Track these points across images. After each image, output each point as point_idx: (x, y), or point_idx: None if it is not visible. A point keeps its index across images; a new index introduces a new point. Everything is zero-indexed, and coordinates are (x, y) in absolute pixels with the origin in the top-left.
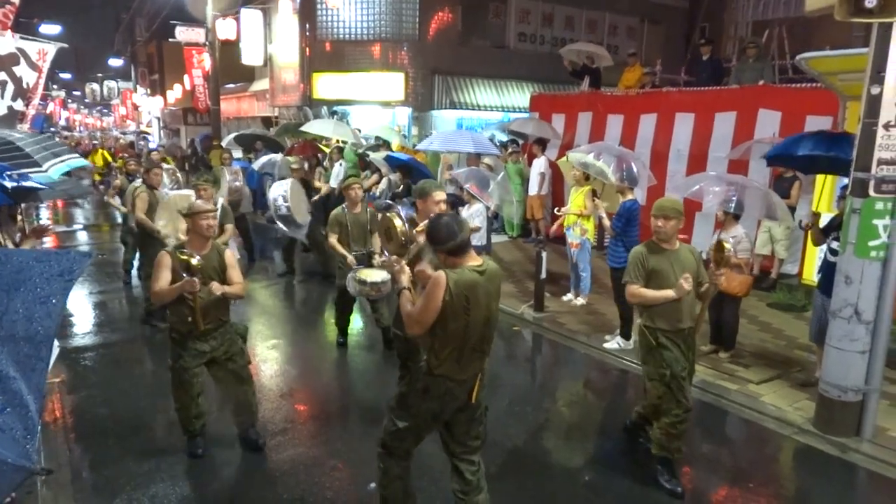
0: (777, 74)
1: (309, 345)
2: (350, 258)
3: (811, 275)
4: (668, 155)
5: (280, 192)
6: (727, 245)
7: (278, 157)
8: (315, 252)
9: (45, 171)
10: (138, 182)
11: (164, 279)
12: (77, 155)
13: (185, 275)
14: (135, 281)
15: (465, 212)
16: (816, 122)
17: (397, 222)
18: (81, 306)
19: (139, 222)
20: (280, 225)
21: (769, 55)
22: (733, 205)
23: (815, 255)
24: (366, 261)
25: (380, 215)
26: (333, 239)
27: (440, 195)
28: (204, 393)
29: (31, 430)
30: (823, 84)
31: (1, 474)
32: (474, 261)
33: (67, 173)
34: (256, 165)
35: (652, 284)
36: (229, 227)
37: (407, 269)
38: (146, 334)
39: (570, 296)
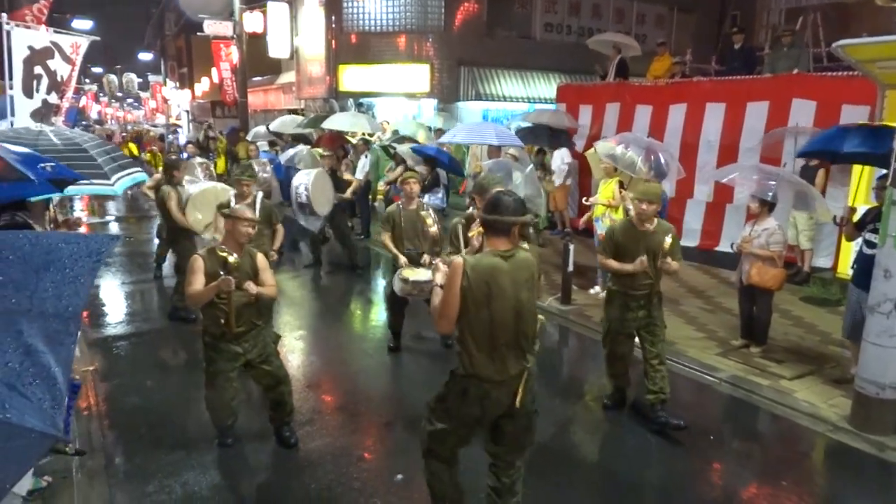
0: (811, 63)
1: (336, 336)
2: (402, 259)
3: (846, 269)
4: (698, 146)
5: (304, 179)
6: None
7: (304, 149)
8: (340, 243)
9: (112, 184)
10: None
11: (198, 282)
12: (140, 169)
13: (221, 273)
14: (166, 271)
15: None
16: (853, 112)
17: (429, 220)
18: (114, 296)
19: (177, 221)
20: (296, 212)
21: (803, 43)
22: (770, 195)
23: (850, 249)
24: (416, 260)
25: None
26: (386, 237)
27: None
28: (237, 397)
29: (59, 401)
30: (860, 72)
31: (29, 442)
32: (504, 246)
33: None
34: (283, 158)
35: (620, 258)
36: (280, 228)
37: (441, 266)
38: (176, 326)
39: (597, 288)
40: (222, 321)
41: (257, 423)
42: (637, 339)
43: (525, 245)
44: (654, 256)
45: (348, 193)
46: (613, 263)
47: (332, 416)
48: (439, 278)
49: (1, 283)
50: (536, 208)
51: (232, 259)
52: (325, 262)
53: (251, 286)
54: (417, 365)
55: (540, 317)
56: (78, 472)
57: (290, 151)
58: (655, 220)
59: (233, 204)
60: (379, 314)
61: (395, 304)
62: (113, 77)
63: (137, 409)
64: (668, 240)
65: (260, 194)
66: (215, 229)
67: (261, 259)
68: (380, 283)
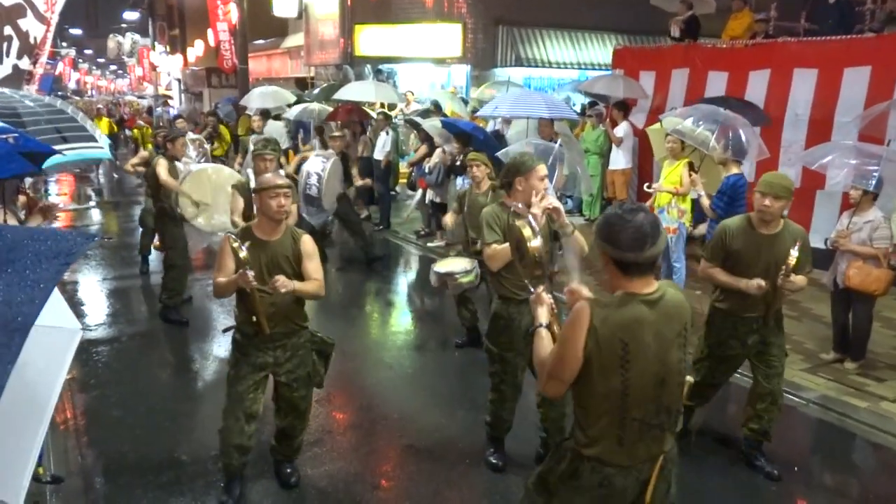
0: None
1: (349, 343)
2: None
3: None
4: (783, 121)
5: (317, 168)
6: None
7: (317, 106)
8: (351, 234)
9: (102, 147)
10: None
11: (226, 268)
12: (99, 145)
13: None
14: (153, 266)
15: None
16: None
17: (526, 233)
18: (94, 294)
19: (164, 184)
20: (300, 201)
21: None
22: (873, 182)
23: None
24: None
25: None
26: (450, 214)
27: (543, 170)
28: (257, 420)
29: None
30: None
31: None
32: (646, 287)
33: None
34: (292, 114)
35: (732, 268)
36: (293, 210)
37: (546, 298)
38: (166, 329)
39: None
40: (253, 319)
41: (259, 441)
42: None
43: (571, 227)
44: (776, 268)
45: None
46: (722, 276)
47: (345, 436)
48: (543, 315)
49: None
50: (584, 192)
51: (242, 254)
52: (338, 258)
53: (280, 282)
54: (443, 378)
55: (688, 378)
56: (52, 497)
57: (299, 107)
58: (782, 221)
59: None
60: (399, 318)
61: (459, 295)
62: (122, 40)
63: (121, 424)
64: (795, 252)
65: (281, 173)
66: (208, 213)
67: (307, 242)
68: (400, 283)
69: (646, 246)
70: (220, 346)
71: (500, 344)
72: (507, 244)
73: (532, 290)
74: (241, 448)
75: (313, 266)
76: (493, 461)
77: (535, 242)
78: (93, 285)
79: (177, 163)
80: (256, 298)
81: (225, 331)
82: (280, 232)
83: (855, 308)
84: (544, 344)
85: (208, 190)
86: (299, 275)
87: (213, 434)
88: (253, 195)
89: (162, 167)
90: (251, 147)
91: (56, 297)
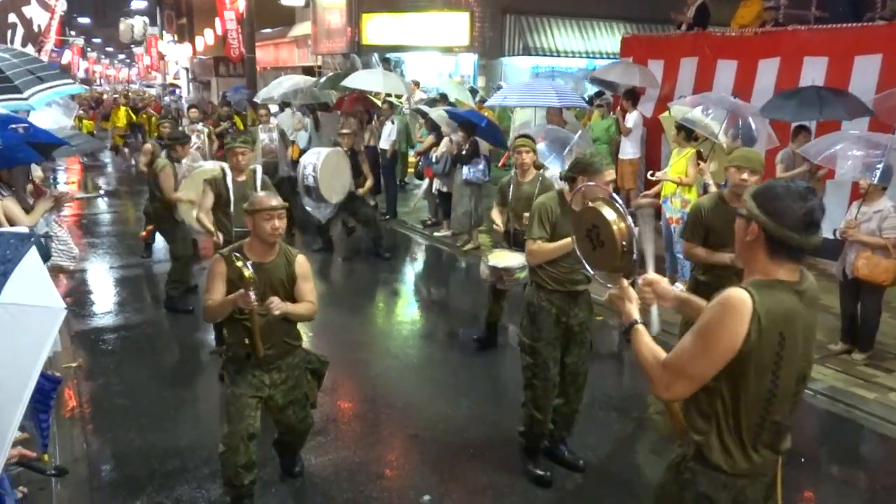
0: None
1: (355, 333)
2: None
3: None
4: None
5: (312, 159)
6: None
7: (300, 79)
8: (364, 227)
9: (26, 98)
10: (164, 155)
11: (217, 291)
12: (70, 81)
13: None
14: (157, 256)
15: None
16: None
17: (609, 214)
18: (101, 282)
19: (168, 198)
20: (302, 195)
21: None
22: (877, 174)
23: None
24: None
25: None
26: (496, 212)
27: (611, 174)
28: (259, 437)
29: None
30: None
31: None
32: (794, 274)
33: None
34: (277, 92)
35: (712, 244)
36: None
37: (633, 293)
38: (171, 317)
39: (679, 285)
40: (246, 341)
41: (263, 429)
42: None
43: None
44: None
45: (361, 190)
46: (702, 252)
47: (350, 426)
48: (636, 311)
49: None
50: None
51: (248, 272)
52: (346, 248)
53: (275, 304)
54: (449, 368)
55: None
56: (57, 484)
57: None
58: None
59: (228, 181)
60: (405, 308)
61: (495, 290)
62: (132, 22)
63: (126, 412)
64: None
65: (259, 168)
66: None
67: (301, 264)
68: (407, 272)
69: (817, 231)
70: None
71: (531, 334)
72: (553, 243)
73: (602, 282)
74: (247, 465)
75: (307, 287)
76: (540, 473)
77: (624, 223)
78: (99, 273)
79: (184, 161)
80: (256, 320)
81: (212, 353)
82: (274, 253)
83: (863, 299)
84: (646, 341)
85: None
86: (292, 296)
87: (219, 423)
88: (246, 216)
89: (167, 176)
90: (261, 137)
91: (41, 276)
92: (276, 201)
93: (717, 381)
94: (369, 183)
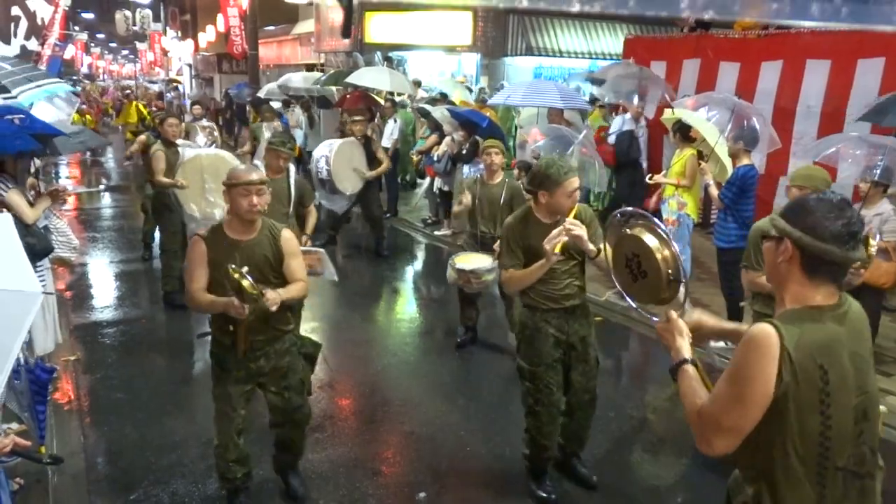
0: None
1: (354, 330)
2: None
3: None
4: (796, 112)
5: (325, 151)
6: (872, 243)
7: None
8: (369, 224)
9: (15, 97)
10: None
11: (200, 277)
12: (59, 80)
13: (231, 260)
14: (156, 251)
15: None
16: None
17: (650, 241)
18: (100, 277)
19: (157, 184)
20: (316, 189)
21: None
22: (878, 172)
23: None
24: (490, 245)
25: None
26: (458, 208)
27: (574, 183)
28: (248, 431)
29: None
30: None
31: None
32: (831, 297)
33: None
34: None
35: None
36: (313, 210)
37: (683, 326)
38: (169, 313)
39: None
40: (231, 328)
41: (258, 424)
42: None
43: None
44: None
45: (372, 173)
46: (766, 282)
47: (347, 423)
48: (686, 348)
49: None
50: (592, 182)
51: (246, 283)
52: (346, 244)
53: (271, 298)
54: (446, 366)
55: (881, 408)
56: (54, 476)
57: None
58: None
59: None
60: (405, 306)
61: (463, 294)
62: (129, 13)
63: (123, 406)
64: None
65: (292, 168)
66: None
67: (287, 240)
68: (407, 271)
69: (857, 245)
70: None
71: (529, 358)
72: (525, 270)
73: (647, 314)
74: (240, 461)
75: (296, 264)
76: (544, 494)
77: (668, 251)
78: (99, 268)
79: (180, 148)
80: (245, 326)
81: (199, 336)
82: (255, 231)
83: (863, 301)
84: (694, 386)
85: (199, 177)
86: (281, 275)
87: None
88: (224, 191)
89: (157, 159)
90: (265, 135)
91: (19, 260)
92: (255, 175)
93: (757, 432)
94: (384, 166)
